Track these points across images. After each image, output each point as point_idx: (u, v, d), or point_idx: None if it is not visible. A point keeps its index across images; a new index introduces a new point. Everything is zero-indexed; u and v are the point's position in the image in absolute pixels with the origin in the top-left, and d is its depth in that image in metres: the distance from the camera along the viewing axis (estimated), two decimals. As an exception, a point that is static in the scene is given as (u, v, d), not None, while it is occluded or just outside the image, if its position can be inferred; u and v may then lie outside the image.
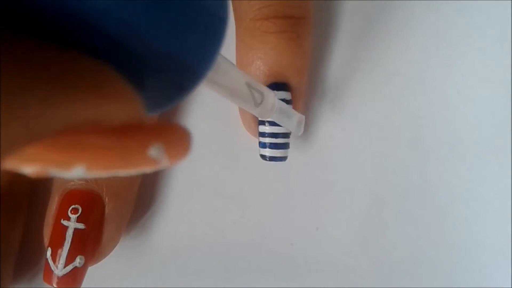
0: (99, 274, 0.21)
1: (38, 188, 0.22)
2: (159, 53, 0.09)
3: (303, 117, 0.19)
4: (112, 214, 0.19)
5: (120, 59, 0.09)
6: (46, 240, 0.19)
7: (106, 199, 0.19)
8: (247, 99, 0.15)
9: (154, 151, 0.08)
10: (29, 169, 0.08)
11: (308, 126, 0.22)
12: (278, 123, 0.18)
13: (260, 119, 0.17)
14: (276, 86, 0.19)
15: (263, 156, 0.20)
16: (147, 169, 0.09)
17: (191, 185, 0.22)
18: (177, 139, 0.09)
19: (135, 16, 0.08)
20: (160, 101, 0.10)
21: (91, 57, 0.08)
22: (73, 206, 0.19)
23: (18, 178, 0.20)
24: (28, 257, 0.21)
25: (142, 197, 0.22)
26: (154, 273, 0.22)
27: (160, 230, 0.22)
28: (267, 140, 0.20)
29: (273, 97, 0.17)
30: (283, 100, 0.19)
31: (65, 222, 0.19)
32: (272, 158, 0.20)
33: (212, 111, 0.22)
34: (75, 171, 0.08)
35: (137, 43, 0.09)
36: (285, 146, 0.20)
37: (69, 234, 0.18)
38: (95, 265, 0.20)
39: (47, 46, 0.08)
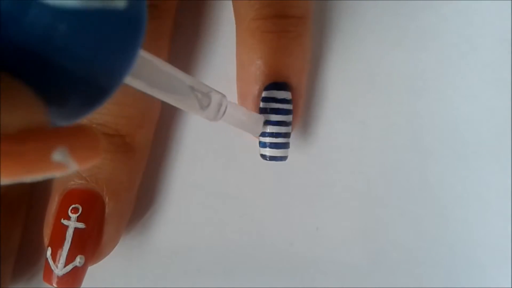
0: (99, 274, 0.21)
1: (38, 188, 0.22)
2: (74, 61, 0.09)
3: (262, 117, 0.19)
4: (112, 213, 0.19)
5: (35, 71, 0.09)
6: (46, 240, 0.19)
7: (107, 199, 0.19)
8: (191, 101, 0.15)
9: (57, 155, 0.08)
10: None
11: (308, 126, 0.22)
12: (232, 125, 0.18)
13: (211, 121, 0.16)
14: (276, 86, 0.19)
15: (263, 156, 0.20)
16: (55, 173, 0.09)
17: (191, 185, 0.22)
18: (83, 141, 0.09)
19: (50, 30, 0.08)
20: (82, 108, 0.10)
21: None
22: (73, 206, 0.19)
23: None
24: (28, 257, 0.21)
25: (142, 197, 0.22)
26: (154, 273, 0.22)
27: (160, 230, 0.22)
28: (267, 139, 0.20)
29: (220, 99, 0.16)
30: (283, 99, 0.19)
31: (65, 222, 0.19)
32: (272, 158, 0.20)
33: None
34: None
35: (51, 54, 0.09)
36: (285, 145, 0.20)
37: (69, 234, 0.18)
38: (95, 265, 0.20)
39: None
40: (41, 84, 0.09)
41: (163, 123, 0.22)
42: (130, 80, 0.12)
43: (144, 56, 0.13)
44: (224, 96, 0.16)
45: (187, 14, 0.22)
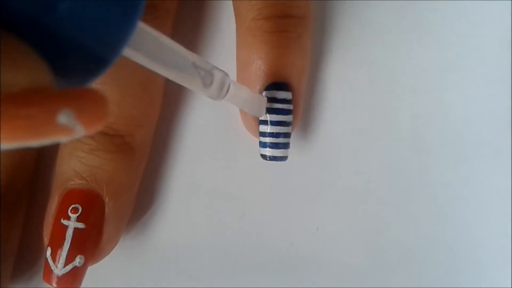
0: (99, 274, 0.21)
1: (37, 187, 0.22)
2: (75, 27, 0.09)
3: (265, 98, 0.19)
4: (112, 213, 0.19)
5: (35, 34, 0.09)
6: (46, 240, 0.19)
7: (106, 199, 0.19)
8: (194, 79, 0.15)
9: (63, 117, 0.08)
10: None
11: (308, 126, 0.22)
12: (235, 105, 0.18)
13: (215, 100, 0.16)
14: (277, 85, 0.19)
15: (263, 156, 0.20)
16: (62, 137, 0.08)
17: (191, 185, 0.22)
18: (89, 104, 0.09)
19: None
20: (83, 75, 0.10)
21: None
22: (73, 206, 0.19)
23: (17, 177, 0.20)
24: (28, 257, 0.22)
25: (142, 197, 0.22)
26: (153, 273, 0.22)
27: (159, 230, 0.22)
28: (267, 139, 0.20)
29: (223, 77, 0.16)
30: (283, 100, 0.19)
31: (65, 222, 0.19)
32: (273, 158, 0.20)
33: (212, 110, 0.22)
34: None
35: (52, 19, 0.09)
36: (285, 145, 0.20)
37: (69, 234, 0.18)
38: (94, 265, 0.20)
39: None
40: (42, 49, 0.09)
41: (163, 123, 0.22)
42: (130, 53, 0.12)
43: (145, 29, 0.13)
44: (226, 74, 0.16)
45: (187, 14, 0.22)
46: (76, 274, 0.18)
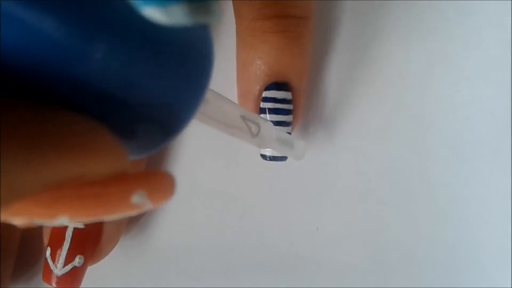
0: (99, 274, 0.21)
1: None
2: (149, 103, 0.10)
3: (304, 144, 0.20)
4: None
5: (111, 111, 0.09)
6: (46, 240, 0.19)
7: None
8: (244, 131, 0.16)
9: (136, 198, 0.09)
10: (17, 221, 0.08)
11: (308, 126, 0.22)
12: (278, 152, 0.19)
13: (260, 148, 0.17)
14: (277, 86, 0.20)
15: (263, 156, 0.20)
16: (131, 213, 0.09)
17: (191, 185, 0.22)
18: (160, 184, 0.10)
19: (127, 72, 0.09)
20: (149, 146, 0.11)
21: (80, 115, 0.09)
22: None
23: None
24: (27, 257, 0.22)
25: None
26: (153, 272, 0.22)
27: (159, 230, 0.22)
28: None
29: (270, 127, 0.17)
30: (283, 100, 0.20)
31: None
32: (273, 158, 0.20)
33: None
34: (59, 221, 0.08)
35: (128, 96, 0.09)
36: None
37: (69, 234, 0.18)
38: (94, 265, 0.20)
39: (36, 108, 0.08)
40: (115, 123, 0.09)
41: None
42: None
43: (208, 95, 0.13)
44: (272, 124, 0.17)
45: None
46: (75, 274, 0.18)
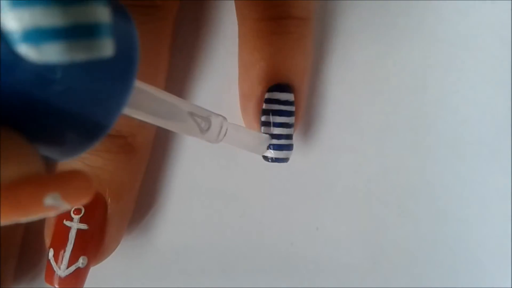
0: (99, 274, 0.21)
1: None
2: (74, 101, 0.10)
3: (267, 137, 0.19)
4: (114, 214, 0.19)
5: (24, 116, 0.09)
6: (48, 241, 0.19)
7: (109, 199, 0.19)
8: (191, 127, 0.16)
9: (49, 200, 0.09)
10: None
11: (308, 127, 0.22)
12: (235, 146, 0.19)
13: (213, 143, 0.17)
14: (280, 87, 0.19)
15: (265, 158, 0.20)
16: (49, 214, 0.09)
17: (191, 185, 0.22)
18: (74, 184, 0.10)
19: (52, 83, 0.09)
20: (78, 147, 0.11)
21: None
22: (76, 207, 0.19)
23: None
24: (29, 258, 0.22)
25: (142, 197, 0.22)
26: (153, 272, 0.22)
27: (160, 230, 0.22)
28: (270, 141, 0.20)
29: (220, 122, 0.17)
30: (286, 101, 0.19)
31: (67, 223, 0.19)
32: (275, 160, 0.20)
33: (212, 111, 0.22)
34: None
35: (43, 103, 0.09)
36: (288, 147, 0.20)
37: (72, 235, 0.18)
38: (95, 265, 0.20)
39: None
40: (36, 129, 0.10)
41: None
42: (127, 111, 0.13)
43: (140, 87, 0.13)
44: (224, 118, 0.17)
45: (188, 14, 0.22)
46: (79, 275, 0.19)
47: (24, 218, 0.09)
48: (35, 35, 0.08)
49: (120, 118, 0.19)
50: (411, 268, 0.22)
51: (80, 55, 0.08)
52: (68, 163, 0.19)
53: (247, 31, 0.20)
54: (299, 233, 0.22)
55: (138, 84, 0.13)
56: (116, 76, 0.10)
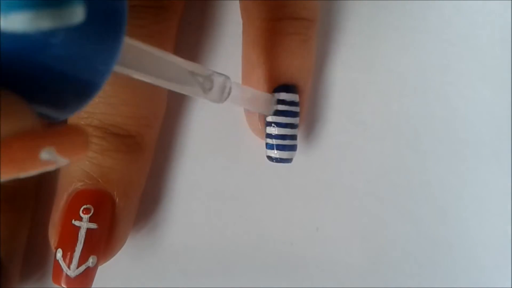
0: (99, 274, 0.21)
1: (42, 187, 0.22)
2: (68, 62, 0.10)
3: (272, 96, 0.19)
4: (122, 213, 0.19)
5: (22, 75, 0.10)
6: (53, 241, 0.19)
7: (117, 199, 0.19)
8: (192, 87, 0.15)
9: (45, 154, 0.09)
10: None
11: (308, 127, 0.22)
12: (240, 106, 0.18)
13: (217, 103, 0.17)
14: (286, 88, 0.20)
15: (269, 158, 0.20)
16: (46, 169, 0.10)
17: (191, 185, 0.22)
18: (69, 138, 0.10)
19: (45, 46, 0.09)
20: (73, 105, 0.11)
21: None
22: (85, 206, 0.19)
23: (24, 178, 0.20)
24: (36, 258, 0.22)
25: (143, 197, 0.22)
26: (153, 272, 0.22)
27: (160, 230, 0.22)
28: (274, 141, 0.20)
29: (223, 81, 0.16)
30: (292, 102, 0.20)
31: (76, 223, 0.18)
32: (279, 160, 0.20)
33: (214, 111, 0.22)
34: None
35: (43, 59, 0.10)
36: (292, 148, 0.20)
37: (82, 235, 0.18)
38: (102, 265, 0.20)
39: None
40: (30, 89, 0.10)
41: (165, 123, 0.22)
42: (123, 70, 0.13)
43: (136, 46, 0.13)
44: (227, 77, 0.16)
45: (192, 15, 0.22)
46: (88, 275, 0.18)
47: (22, 173, 0.09)
48: (3, 5, 0.08)
49: (128, 118, 0.19)
50: (411, 268, 0.22)
51: (47, 24, 0.09)
52: (73, 162, 0.19)
53: (254, 31, 0.20)
54: (299, 233, 0.22)
55: (133, 43, 0.13)
56: (101, 34, 0.10)
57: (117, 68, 0.12)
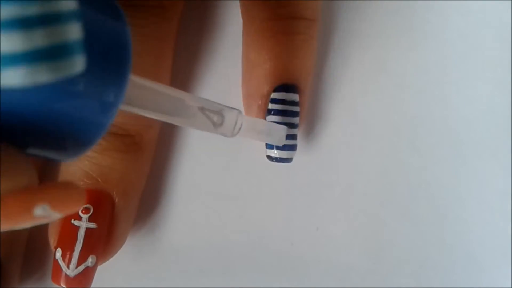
0: (99, 273, 0.21)
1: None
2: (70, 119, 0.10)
3: (284, 128, 0.19)
4: (121, 212, 0.19)
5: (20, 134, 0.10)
6: (53, 241, 0.19)
7: (117, 198, 0.19)
8: (202, 122, 0.15)
9: (39, 211, 0.10)
10: None
11: (308, 127, 0.22)
12: (252, 139, 0.18)
13: (229, 137, 0.17)
14: (286, 87, 0.20)
15: (269, 157, 0.20)
16: (40, 222, 0.10)
17: (191, 186, 0.22)
18: (64, 194, 0.10)
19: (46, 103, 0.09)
20: (78, 149, 0.11)
21: None
22: (84, 206, 0.19)
23: None
24: (34, 258, 0.22)
25: (144, 198, 0.22)
26: (153, 272, 0.22)
27: (160, 230, 0.22)
28: None
29: (235, 116, 0.16)
30: (292, 101, 0.20)
31: (76, 222, 0.19)
32: (279, 160, 0.20)
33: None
34: None
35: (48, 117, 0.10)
36: (292, 147, 0.20)
37: (81, 234, 0.18)
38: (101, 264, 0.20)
39: None
40: (31, 138, 0.10)
41: (165, 123, 0.22)
42: (129, 108, 0.13)
43: (142, 84, 0.13)
44: (239, 112, 0.17)
45: (191, 15, 0.22)
46: (87, 274, 0.19)
47: (16, 227, 0.10)
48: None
49: (128, 118, 0.19)
50: (411, 268, 0.22)
51: (44, 78, 0.08)
52: (73, 162, 0.20)
53: (254, 31, 0.20)
54: (299, 233, 0.22)
55: (140, 81, 0.13)
56: (103, 80, 0.10)
57: (123, 107, 0.12)
